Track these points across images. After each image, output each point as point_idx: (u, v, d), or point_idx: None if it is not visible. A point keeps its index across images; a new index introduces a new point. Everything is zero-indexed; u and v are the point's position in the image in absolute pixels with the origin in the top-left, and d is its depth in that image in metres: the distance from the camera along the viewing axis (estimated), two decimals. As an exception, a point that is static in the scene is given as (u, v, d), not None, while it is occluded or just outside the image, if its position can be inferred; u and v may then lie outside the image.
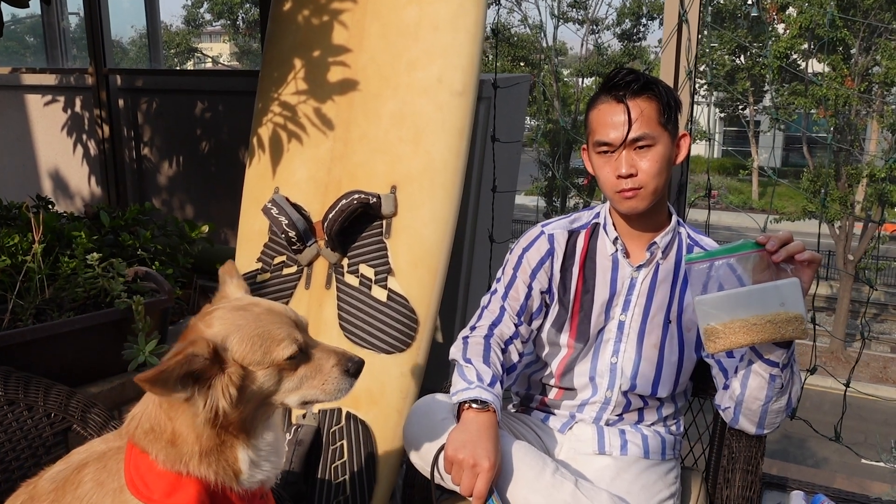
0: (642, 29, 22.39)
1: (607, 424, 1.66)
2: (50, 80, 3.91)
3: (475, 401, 1.45)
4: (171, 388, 1.03)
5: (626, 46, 22.23)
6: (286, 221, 2.15)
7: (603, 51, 21.62)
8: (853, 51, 17.00)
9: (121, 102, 3.75)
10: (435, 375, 2.17)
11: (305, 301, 2.18)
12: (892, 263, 18.35)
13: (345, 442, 2.03)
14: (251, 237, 2.36)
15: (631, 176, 1.52)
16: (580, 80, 21.83)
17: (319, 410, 2.08)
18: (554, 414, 1.72)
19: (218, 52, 33.77)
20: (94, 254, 1.99)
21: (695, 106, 2.32)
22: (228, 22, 28.08)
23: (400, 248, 2.08)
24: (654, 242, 1.62)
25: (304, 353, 1.15)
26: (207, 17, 29.42)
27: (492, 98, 2.67)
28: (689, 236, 1.68)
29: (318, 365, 1.16)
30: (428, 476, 1.49)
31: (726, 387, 1.58)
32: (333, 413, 2.06)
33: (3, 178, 4.16)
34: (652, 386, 1.64)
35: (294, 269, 2.23)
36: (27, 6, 2.20)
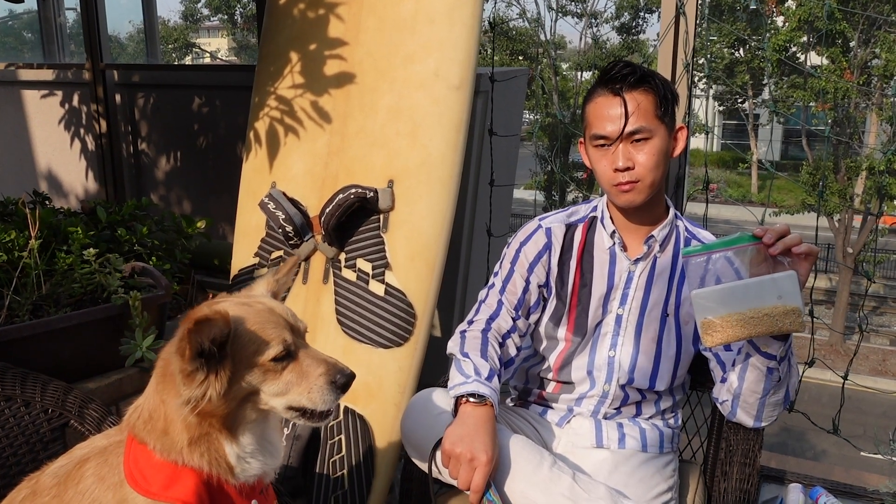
0: (641, 22, 22.36)
1: (605, 418, 1.66)
2: (47, 75, 3.90)
3: (472, 395, 1.45)
4: (203, 343, 1.02)
5: (624, 40, 22.19)
6: (283, 216, 2.15)
7: (601, 44, 21.59)
8: (852, 43, 16.97)
9: (118, 98, 3.74)
10: (433, 370, 2.17)
11: (303, 296, 2.18)
12: (891, 256, 18.36)
13: (343, 436, 2.03)
14: (248, 232, 2.36)
15: (628, 169, 1.52)
16: (579, 73, 21.80)
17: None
18: (552, 408, 1.72)
19: (216, 47, 33.72)
20: (91, 249, 1.99)
21: (693, 99, 2.31)
22: (226, 17, 28.03)
23: (397, 243, 2.07)
24: (652, 236, 1.62)
25: (291, 357, 1.12)
26: (205, 11, 29.37)
27: (489, 92, 2.67)
28: (686, 229, 1.68)
29: (306, 371, 1.13)
30: (426, 470, 1.49)
31: (724, 380, 1.58)
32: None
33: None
34: (650, 379, 1.64)
35: (291, 263, 2.23)
36: (22, 1, 2.20)
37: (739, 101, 22.43)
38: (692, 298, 1.36)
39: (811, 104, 17.51)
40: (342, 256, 2.14)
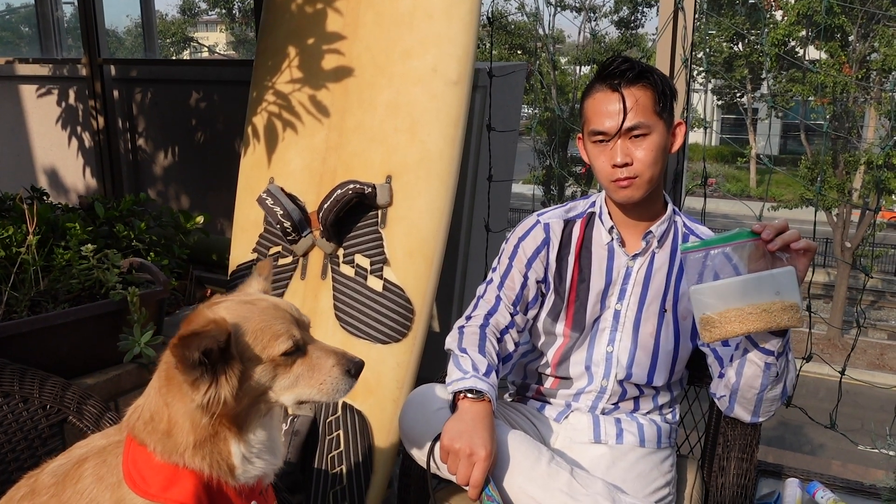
0: (640, 17, 22.31)
1: (603, 413, 1.67)
2: (44, 70, 3.89)
3: (471, 390, 1.45)
4: (192, 356, 1.02)
5: (623, 34, 22.16)
6: (281, 212, 2.15)
7: (600, 39, 21.55)
8: (851, 38, 16.95)
9: (115, 93, 3.73)
10: (431, 365, 2.17)
11: (301, 291, 2.18)
12: (889, 250, 18.38)
13: (341, 432, 2.03)
14: (246, 227, 2.36)
15: (626, 165, 1.52)
16: (577, 68, 21.77)
17: (316, 401, 2.08)
18: (550, 403, 1.72)
19: (214, 41, 33.64)
20: (89, 245, 1.99)
21: (692, 94, 2.31)
22: (224, 11, 27.94)
23: (396, 238, 2.07)
24: (650, 231, 1.62)
25: (300, 351, 1.14)
26: (203, 5, 29.28)
27: (487, 87, 2.66)
28: (684, 225, 1.68)
29: (317, 364, 1.14)
30: (424, 465, 1.49)
31: (721, 375, 1.58)
32: (330, 403, 2.06)
33: (-3, 169, 4.15)
34: (647, 375, 1.64)
35: (290, 259, 2.23)
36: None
37: (738, 95, 22.40)
38: (690, 294, 1.36)
39: (810, 99, 17.50)
40: (340, 252, 2.14)
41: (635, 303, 1.64)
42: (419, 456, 1.54)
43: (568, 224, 1.69)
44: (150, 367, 1.15)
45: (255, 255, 2.30)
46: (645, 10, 22.04)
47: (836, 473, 2.22)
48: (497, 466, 1.43)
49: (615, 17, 22.26)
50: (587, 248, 1.67)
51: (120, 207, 2.54)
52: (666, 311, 1.63)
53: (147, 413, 1.11)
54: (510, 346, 1.67)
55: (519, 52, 20.66)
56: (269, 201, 2.18)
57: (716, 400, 1.64)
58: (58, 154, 3.95)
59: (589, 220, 1.69)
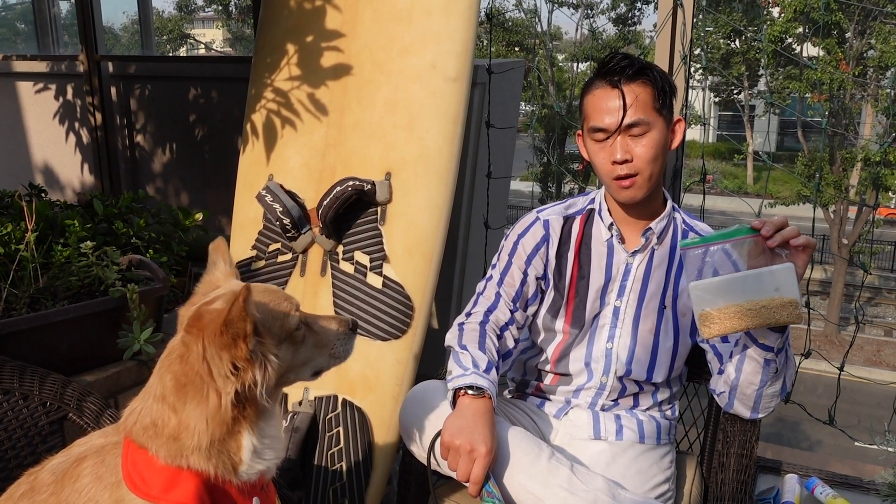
0: (637, 13, 22.31)
1: (603, 410, 1.67)
2: (41, 67, 3.88)
3: (471, 387, 1.45)
4: (247, 329, 1.03)
5: (621, 31, 22.15)
6: (280, 209, 2.14)
7: (598, 35, 21.55)
8: (848, 34, 16.97)
9: (113, 89, 3.72)
10: (430, 362, 2.17)
11: (301, 288, 2.18)
12: (886, 247, 18.41)
13: (341, 429, 2.03)
14: (246, 224, 2.35)
15: (626, 161, 1.52)
16: (575, 64, 21.76)
17: (315, 398, 2.08)
18: (549, 399, 1.73)
19: (211, 38, 33.57)
20: (88, 242, 1.99)
21: (690, 90, 2.31)
22: (220, 8, 27.88)
23: (395, 235, 2.07)
24: (650, 228, 1.62)
25: (307, 326, 1.19)
26: (199, 2, 29.20)
27: (486, 84, 2.66)
28: (683, 222, 1.68)
29: (323, 332, 1.21)
30: (424, 462, 1.49)
31: (721, 371, 1.58)
32: (329, 400, 2.06)
33: (-5, 166, 4.14)
34: (647, 371, 1.64)
35: (289, 256, 2.23)
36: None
37: (735, 91, 22.41)
38: (690, 290, 1.37)
39: (807, 95, 17.51)
40: (340, 249, 2.14)
41: (635, 299, 1.64)
42: (419, 452, 1.54)
43: (567, 221, 1.69)
44: (150, 364, 1.15)
45: (254, 253, 2.30)
46: (642, 6, 22.04)
47: (834, 469, 2.23)
48: (497, 463, 1.43)
49: (612, 14, 22.27)
50: (587, 245, 1.67)
51: (119, 204, 2.53)
52: (665, 307, 1.64)
53: (147, 419, 1.09)
54: (510, 343, 1.67)
55: (516, 48, 20.65)
56: (269, 198, 2.18)
57: (715, 396, 1.65)
58: (55, 151, 3.94)
59: (588, 216, 1.69)
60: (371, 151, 2.13)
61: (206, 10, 30.16)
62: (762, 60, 18.47)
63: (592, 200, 1.71)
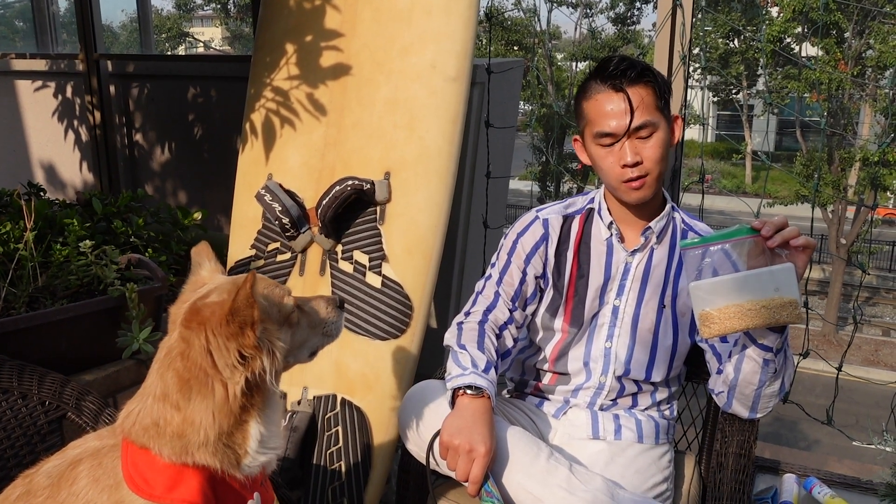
0: (636, 13, 22.31)
1: (601, 409, 1.67)
2: (40, 65, 3.87)
3: (470, 387, 1.45)
4: (253, 316, 1.04)
5: (619, 30, 22.16)
6: (280, 208, 2.14)
7: (597, 35, 21.54)
8: (847, 34, 16.97)
9: (112, 88, 3.72)
10: (429, 361, 2.17)
11: (300, 288, 2.18)
12: (884, 247, 18.43)
13: (340, 428, 2.03)
14: (245, 224, 2.35)
15: (637, 164, 1.52)
16: (574, 64, 21.76)
17: (314, 397, 2.08)
18: (548, 399, 1.73)
19: (209, 36, 33.54)
20: (87, 241, 1.98)
21: (689, 90, 2.31)
22: (219, 6, 27.86)
23: (394, 235, 2.07)
24: (649, 227, 1.62)
25: (300, 308, 1.21)
26: (198, 1, 29.18)
27: (485, 83, 2.66)
28: (683, 221, 1.69)
29: (314, 312, 1.24)
30: (423, 462, 1.49)
31: (720, 371, 1.59)
32: (328, 399, 2.06)
33: (-7, 164, 4.13)
34: (646, 370, 1.64)
35: (288, 255, 2.23)
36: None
37: (734, 91, 22.42)
38: (690, 290, 1.37)
39: (805, 95, 17.53)
40: (339, 248, 2.14)
41: (634, 298, 1.64)
42: (418, 452, 1.54)
43: (567, 220, 1.69)
44: (149, 364, 1.14)
45: (253, 252, 2.30)
46: (641, 6, 22.04)
47: (832, 469, 2.23)
48: (496, 463, 1.43)
49: (612, 14, 22.27)
50: (586, 244, 1.67)
51: (118, 203, 2.53)
52: (665, 306, 1.64)
53: (147, 419, 1.09)
54: (509, 342, 1.67)
55: (515, 48, 20.64)
56: (268, 198, 2.18)
57: (714, 396, 1.65)
58: (54, 149, 3.94)
59: (588, 216, 1.69)
60: (370, 151, 2.13)
61: (205, 8, 30.14)
62: (761, 60, 18.47)
63: (592, 200, 1.71)
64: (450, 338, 1.64)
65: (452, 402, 1.47)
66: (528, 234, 1.69)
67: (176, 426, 1.08)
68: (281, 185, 2.22)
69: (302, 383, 2.10)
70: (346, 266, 2.12)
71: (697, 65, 2.47)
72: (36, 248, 1.95)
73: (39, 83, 3.88)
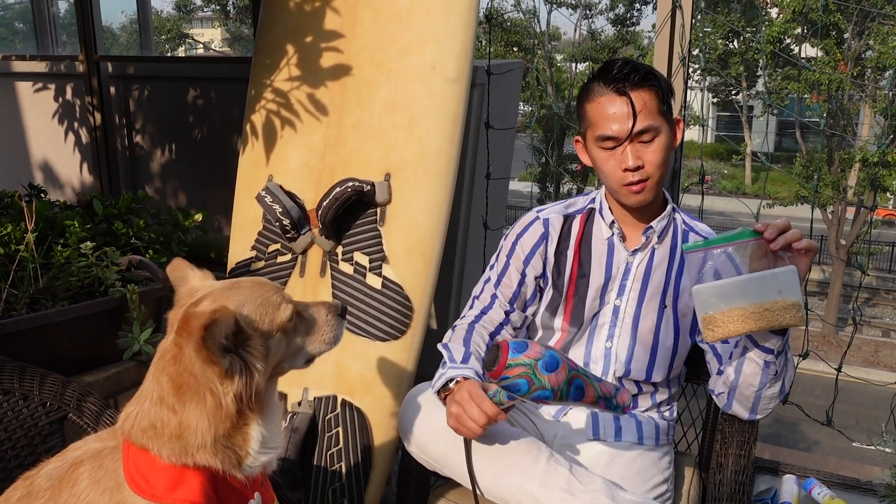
0: (636, 14, 22.31)
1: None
2: (40, 67, 3.88)
3: (446, 384, 1.47)
4: (219, 342, 1.03)
5: (619, 31, 22.16)
6: (280, 209, 2.15)
7: (596, 36, 21.55)
8: (846, 35, 16.98)
9: (112, 90, 3.72)
10: (430, 362, 2.17)
11: (300, 289, 2.18)
12: (884, 248, 18.43)
13: (340, 429, 2.04)
14: (245, 225, 2.36)
15: (638, 168, 1.52)
16: (573, 65, 21.78)
17: (315, 398, 2.08)
18: (548, 400, 1.73)
19: (209, 37, 33.55)
20: (88, 243, 1.99)
21: (688, 91, 2.32)
22: (219, 7, 27.87)
23: (394, 236, 2.08)
24: (650, 227, 1.62)
25: (298, 315, 1.20)
26: (198, 2, 29.19)
27: (485, 84, 2.67)
28: (683, 222, 1.69)
29: (314, 319, 1.23)
30: (422, 463, 1.51)
31: (720, 372, 1.59)
32: (329, 400, 2.07)
33: (-6, 166, 4.14)
34: (646, 371, 1.65)
35: (288, 257, 2.23)
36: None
37: (733, 92, 22.43)
38: (693, 294, 1.37)
39: (805, 96, 17.53)
40: (339, 250, 2.15)
41: (635, 298, 1.64)
42: (418, 454, 1.54)
43: (567, 219, 1.70)
44: (149, 365, 1.15)
45: (253, 253, 2.30)
46: (641, 7, 22.05)
47: (831, 470, 2.24)
48: (496, 463, 1.43)
49: (611, 15, 22.28)
50: (587, 243, 1.67)
51: (118, 205, 2.53)
52: (666, 307, 1.64)
53: (145, 421, 1.09)
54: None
55: (515, 49, 20.65)
56: (268, 199, 2.18)
57: (714, 397, 1.65)
58: (54, 151, 3.94)
59: (589, 215, 1.70)
60: (370, 152, 2.13)
61: (205, 9, 30.14)
62: (760, 61, 18.49)
63: (593, 200, 1.71)
64: (443, 341, 1.65)
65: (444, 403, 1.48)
66: (528, 235, 1.69)
67: (173, 429, 1.08)
68: (281, 187, 2.23)
69: (302, 384, 2.10)
70: (346, 267, 2.12)
71: (697, 66, 2.47)
72: (37, 250, 1.95)
73: (40, 85, 3.89)
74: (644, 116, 1.50)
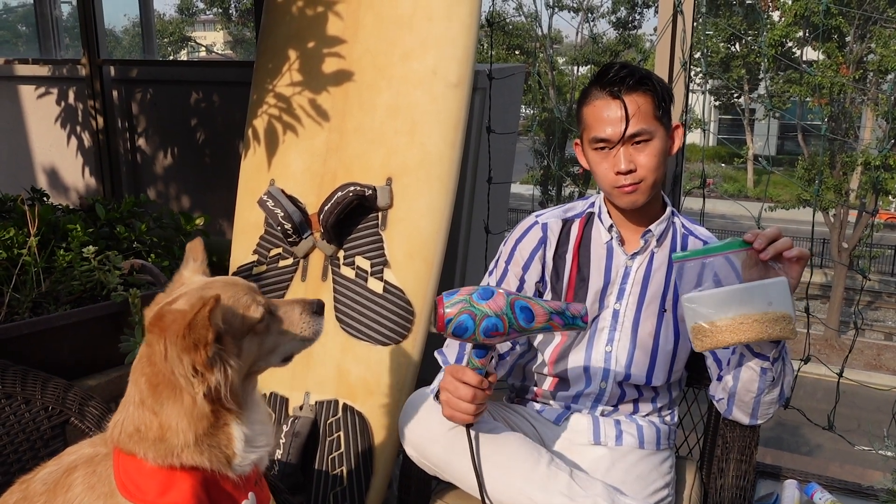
0: (637, 17, 22.32)
1: (602, 415, 1.68)
2: (43, 70, 3.89)
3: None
4: (207, 336, 1.03)
5: (621, 34, 22.17)
6: (282, 213, 2.15)
7: (598, 39, 21.56)
8: (848, 38, 16.98)
9: (115, 93, 3.73)
10: (431, 367, 2.17)
11: (301, 293, 2.19)
12: (886, 251, 18.40)
13: (341, 433, 2.04)
14: (247, 229, 2.36)
15: (630, 171, 1.52)
16: (575, 68, 21.79)
17: (316, 402, 2.09)
18: (549, 405, 1.73)
19: (211, 40, 33.61)
20: (90, 247, 1.99)
21: (690, 94, 2.32)
22: (221, 10, 27.91)
23: (396, 240, 2.08)
24: (649, 230, 1.62)
25: (271, 314, 1.20)
26: (200, 5, 29.24)
27: (487, 89, 2.67)
28: (683, 226, 1.69)
29: (287, 318, 1.22)
30: (422, 468, 1.51)
31: (720, 378, 1.59)
32: (330, 405, 2.07)
33: (-4, 169, 4.14)
34: (646, 375, 1.65)
35: (290, 261, 2.23)
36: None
37: (735, 95, 22.42)
38: (683, 303, 1.36)
39: (807, 99, 17.52)
40: (341, 254, 2.15)
41: (634, 302, 1.64)
42: (418, 458, 1.55)
43: (566, 223, 1.70)
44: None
45: (255, 257, 2.31)
46: (642, 10, 22.04)
47: (833, 474, 2.23)
48: (496, 468, 1.44)
49: (613, 18, 22.28)
50: (586, 247, 1.67)
51: (121, 209, 2.54)
52: (665, 310, 1.64)
53: (130, 426, 1.10)
54: (506, 346, 1.67)
55: (517, 52, 20.67)
56: (270, 203, 2.18)
57: (714, 402, 1.65)
58: (57, 154, 3.95)
59: (588, 219, 1.70)
60: (372, 157, 2.14)
61: (207, 12, 30.19)
62: (762, 64, 18.49)
63: (592, 204, 1.72)
64: (443, 347, 1.67)
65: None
66: (527, 240, 1.70)
67: (156, 431, 1.09)
68: (283, 191, 2.23)
69: (304, 388, 2.11)
70: (347, 271, 2.12)
71: (699, 69, 2.47)
72: (39, 254, 1.96)
73: (42, 88, 3.90)
74: (637, 120, 1.51)
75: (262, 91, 2.39)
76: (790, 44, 17.46)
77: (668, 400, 1.73)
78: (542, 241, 1.68)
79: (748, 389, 1.50)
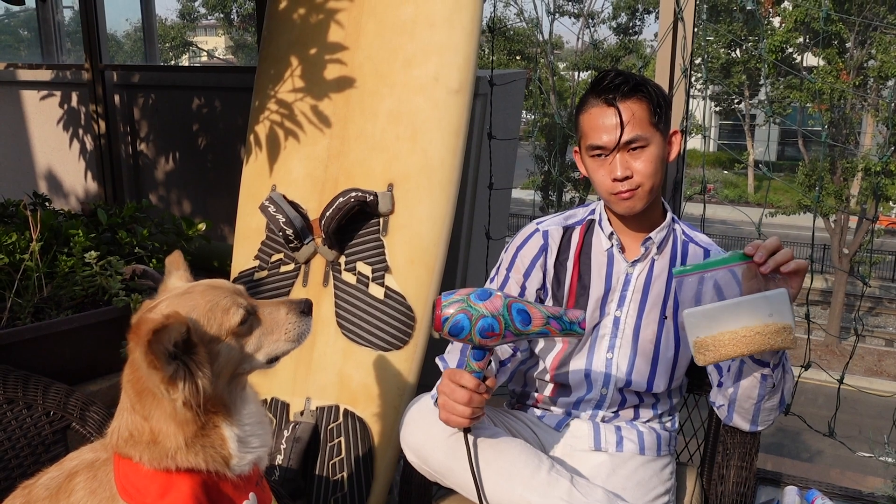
0: (638, 23, 22.37)
1: (603, 421, 1.68)
2: (45, 75, 3.90)
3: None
4: (166, 349, 1.03)
5: (621, 40, 22.21)
6: (283, 219, 2.16)
7: (599, 45, 21.60)
8: (848, 44, 17.00)
9: (117, 98, 3.74)
10: (432, 372, 2.17)
11: (303, 298, 2.19)
12: (886, 257, 18.40)
13: (342, 439, 2.04)
14: (248, 235, 2.37)
15: (626, 178, 1.53)
16: (576, 74, 21.83)
17: (317, 408, 2.09)
18: (550, 411, 1.73)
19: (213, 45, 33.68)
20: (92, 252, 2.00)
21: (690, 100, 2.33)
22: (222, 16, 27.97)
23: (397, 246, 2.09)
24: (649, 237, 1.63)
25: (253, 316, 1.19)
26: (202, 10, 29.32)
27: (488, 95, 2.68)
28: (683, 233, 1.69)
29: (272, 319, 1.21)
30: (423, 474, 1.51)
31: (720, 384, 1.59)
32: (331, 410, 2.07)
33: (-2, 174, 4.15)
34: (647, 381, 1.65)
35: (291, 266, 2.24)
36: (23, 3, 2.21)
37: (736, 101, 22.45)
38: (683, 318, 1.36)
39: (807, 105, 17.54)
40: (342, 260, 2.15)
41: (635, 309, 1.65)
42: (419, 464, 1.55)
43: (567, 231, 1.70)
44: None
45: (256, 263, 2.31)
46: (643, 16, 22.09)
47: (834, 481, 2.23)
48: (497, 474, 1.43)
49: (613, 24, 22.34)
50: (586, 255, 1.68)
51: (122, 214, 2.54)
52: (666, 317, 1.64)
53: (125, 432, 1.11)
54: (507, 351, 1.67)
55: (518, 57, 20.70)
56: (272, 209, 2.19)
57: (715, 408, 1.65)
58: (59, 159, 3.96)
59: (588, 227, 1.70)
60: (374, 163, 2.14)
61: (209, 17, 30.27)
62: (762, 70, 18.51)
63: (593, 211, 1.72)
64: (444, 353, 1.67)
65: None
66: (528, 247, 1.70)
67: (148, 435, 1.10)
68: (285, 197, 2.24)
69: (305, 394, 2.11)
70: (349, 277, 2.13)
71: (699, 75, 2.48)
72: (41, 259, 1.96)
73: (44, 93, 3.91)
74: (632, 127, 1.51)
75: (264, 97, 2.39)
76: (790, 50, 17.48)
77: (669, 406, 1.73)
78: (543, 249, 1.69)
79: (748, 396, 1.51)
